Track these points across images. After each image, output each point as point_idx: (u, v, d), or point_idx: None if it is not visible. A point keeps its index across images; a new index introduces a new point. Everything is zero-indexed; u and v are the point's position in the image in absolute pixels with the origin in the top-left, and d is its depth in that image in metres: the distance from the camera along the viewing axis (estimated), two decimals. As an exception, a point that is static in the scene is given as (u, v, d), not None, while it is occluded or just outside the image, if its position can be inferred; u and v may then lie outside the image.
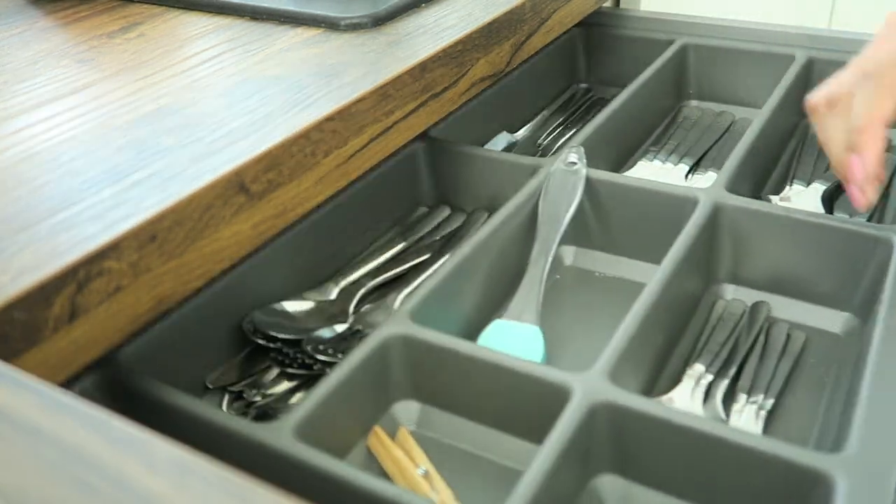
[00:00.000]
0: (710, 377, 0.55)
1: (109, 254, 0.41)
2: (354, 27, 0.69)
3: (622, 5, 1.20)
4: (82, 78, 0.61)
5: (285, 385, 0.56)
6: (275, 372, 0.56)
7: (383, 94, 0.58)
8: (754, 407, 0.53)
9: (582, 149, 0.69)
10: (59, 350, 0.39)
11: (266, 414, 0.53)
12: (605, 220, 0.68)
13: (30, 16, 0.76)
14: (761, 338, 0.59)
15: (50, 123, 0.54)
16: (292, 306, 0.61)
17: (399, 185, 0.72)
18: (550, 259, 0.62)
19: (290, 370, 0.56)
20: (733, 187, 0.65)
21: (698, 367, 0.56)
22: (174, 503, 0.26)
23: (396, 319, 0.53)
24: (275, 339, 0.57)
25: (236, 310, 0.58)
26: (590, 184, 0.67)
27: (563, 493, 0.45)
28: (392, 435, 0.52)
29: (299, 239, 0.61)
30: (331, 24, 0.69)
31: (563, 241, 0.67)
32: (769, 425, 0.53)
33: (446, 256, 0.65)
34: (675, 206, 0.64)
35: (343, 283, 0.64)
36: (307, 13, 0.70)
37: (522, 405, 0.50)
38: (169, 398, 0.46)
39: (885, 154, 0.55)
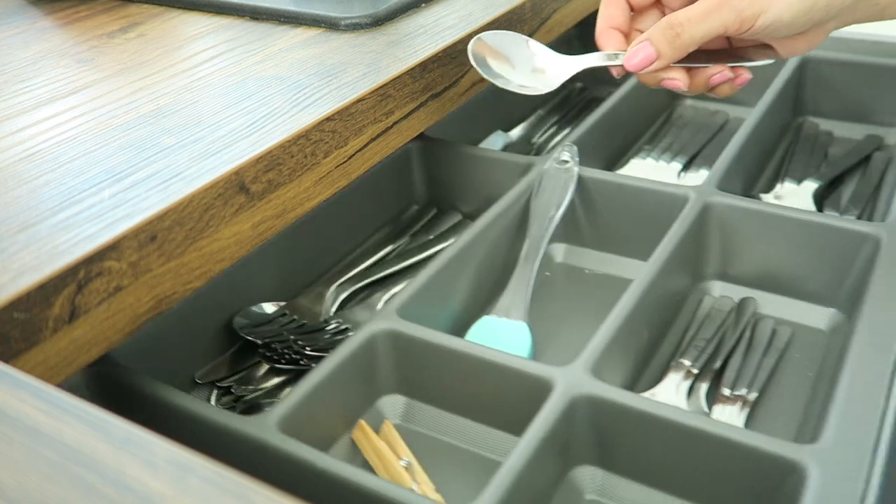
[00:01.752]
0: (694, 372, 0.56)
1: (109, 254, 0.41)
2: (354, 27, 0.69)
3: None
4: (82, 78, 0.62)
5: (274, 381, 0.57)
6: (264, 368, 0.58)
7: (383, 94, 0.59)
8: (738, 400, 0.54)
9: (575, 147, 0.69)
10: (59, 350, 0.40)
11: (254, 408, 0.54)
12: (596, 218, 0.68)
13: (30, 16, 0.76)
14: (747, 333, 0.59)
15: (50, 123, 0.55)
16: (280, 306, 0.62)
17: (391, 184, 0.73)
18: (540, 256, 0.63)
19: (278, 366, 0.57)
20: (724, 185, 0.65)
21: (683, 363, 0.56)
22: (174, 503, 0.26)
23: (383, 315, 0.53)
24: (264, 336, 0.58)
25: (227, 307, 0.59)
26: (581, 182, 0.67)
27: (541, 484, 0.46)
28: (377, 428, 0.52)
29: (290, 237, 0.62)
30: (331, 24, 0.70)
31: (555, 239, 0.68)
32: (753, 419, 0.53)
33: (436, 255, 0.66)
34: (666, 204, 0.64)
35: (333, 283, 0.65)
36: (307, 13, 0.71)
37: (506, 398, 0.51)
38: (157, 393, 0.47)
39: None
